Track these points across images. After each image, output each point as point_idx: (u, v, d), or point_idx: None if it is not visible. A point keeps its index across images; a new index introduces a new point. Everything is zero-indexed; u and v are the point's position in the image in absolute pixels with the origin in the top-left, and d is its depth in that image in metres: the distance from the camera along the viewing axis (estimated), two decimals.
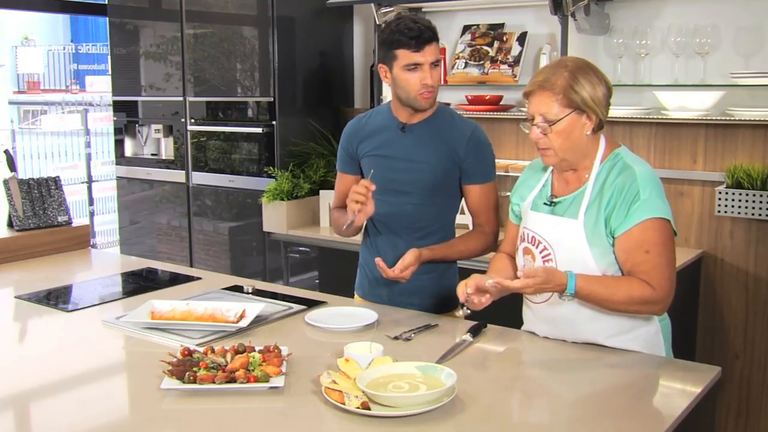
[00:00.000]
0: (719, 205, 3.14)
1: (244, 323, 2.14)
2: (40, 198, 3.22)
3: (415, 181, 2.36)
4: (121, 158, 5.00)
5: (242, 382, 1.72)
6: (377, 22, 3.94)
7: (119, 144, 5.01)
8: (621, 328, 2.01)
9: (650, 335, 2.03)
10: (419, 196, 2.37)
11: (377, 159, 2.41)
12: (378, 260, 2.25)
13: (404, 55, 2.24)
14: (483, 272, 2.18)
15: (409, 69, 2.25)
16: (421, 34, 2.22)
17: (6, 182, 3.18)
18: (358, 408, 1.58)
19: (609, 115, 2.05)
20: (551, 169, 2.11)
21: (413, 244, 2.39)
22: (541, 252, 2.03)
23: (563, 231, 1.99)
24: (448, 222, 2.45)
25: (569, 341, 2.06)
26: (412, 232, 2.40)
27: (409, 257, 2.26)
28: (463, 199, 2.46)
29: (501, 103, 3.81)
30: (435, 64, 2.26)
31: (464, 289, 2.00)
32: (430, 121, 2.37)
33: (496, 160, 3.81)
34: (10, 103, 11.76)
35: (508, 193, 3.78)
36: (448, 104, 3.56)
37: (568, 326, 2.04)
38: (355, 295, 2.59)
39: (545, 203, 2.07)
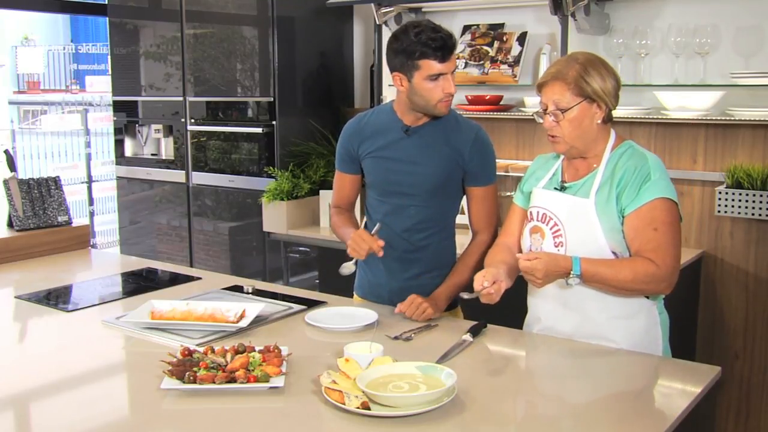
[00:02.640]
0: (719, 205, 3.14)
1: (244, 323, 2.13)
2: (40, 198, 3.22)
3: (417, 184, 2.35)
4: (121, 158, 5.00)
5: (242, 382, 1.72)
6: (377, 22, 3.94)
7: (119, 144, 5.01)
8: (623, 312, 2.04)
9: (650, 326, 2.06)
10: (421, 198, 2.37)
11: (379, 161, 2.40)
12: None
13: (429, 66, 2.20)
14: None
15: (433, 79, 2.22)
16: (446, 44, 2.19)
17: (6, 182, 3.18)
18: (358, 408, 1.58)
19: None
20: (561, 159, 2.15)
21: (414, 245, 2.39)
22: (551, 228, 2.07)
23: (574, 208, 2.03)
24: (448, 223, 2.45)
25: (568, 331, 2.08)
26: (413, 233, 2.40)
27: (431, 314, 2.24)
28: (463, 200, 2.46)
29: (501, 103, 3.81)
30: (454, 71, 2.26)
31: (482, 281, 2.02)
32: (433, 123, 2.35)
33: (497, 160, 3.83)
34: (10, 103, 11.75)
35: (509, 193, 3.82)
36: None
37: (572, 302, 2.07)
38: (355, 295, 2.59)
39: (556, 188, 2.11)
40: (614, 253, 2.00)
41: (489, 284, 2.01)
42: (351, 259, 2.27)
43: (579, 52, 2.09)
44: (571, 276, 1.95)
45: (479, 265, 2.38)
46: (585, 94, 1.99)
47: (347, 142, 2.48)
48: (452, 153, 2.34)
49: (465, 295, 2.19)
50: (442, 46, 2.19)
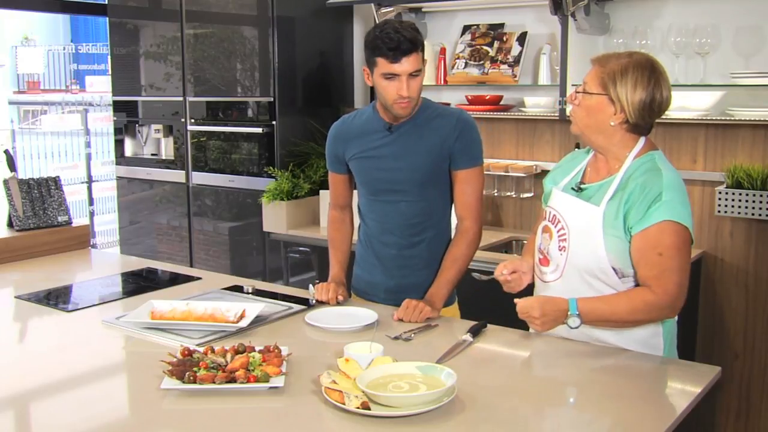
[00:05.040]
0: (719, 205, 3.14)
1: (244, 323, 2.14)
2: (40, 198, 3.22)
3: (405, 179, 2.36)
4: (121, 158, 5.00)
5: (242, 382, 1.72)
6: (377, 22, 3.94)
7: (119, 144, 5.01)
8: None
9: (648, 336, 2.02)
10: (411, 193, 2.37)
11: (366, 161, 2.41)
12: None
13: (382, 64, 2.23)
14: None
15: (387, 78, 2.24)
16: (399, 46, 2.19)
17: (6, 182, 3.18)
18: (358, 408, 1.58)
19: None
20: (588, 159, 2.13)
21: (408, 241, 2.40)
22: (558, 231, 2.06)
23: (583, 215, 2.01)
24: (442, 217, 2.44)
25: (567, 335, 2.07)
26: (406, 229, 2.40)
27: (429, 312, 2.25)
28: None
29: (501, 103, 3.81)
30: (414, 74, 2.24)
31: (502, 269, 2.12)
32: (415, 117, 2.36)
33: (497, 160, 3.84)
34: (10, 103, 11.75)
35: (509, 193, 3.83)
36: (448, 104, 3.55)
37: None
38: (353, 295, 2.59)
39: (573, 188, 2.09)
40: (614, 269, 1.97)
41: (507, 272, 2.10)
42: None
43: (640, 53, 2.02)
44: (569, 316, 1.93)
45: (466, 257, 2.39)
46: (608, 91, 1.95)
47: (333, 145, 2.53)
48: (437, 141, 2.33)
49: (477, 276, 2.23)
50: (395, 47, 2.20)
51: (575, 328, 1.95)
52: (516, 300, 2.00)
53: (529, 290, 2.19)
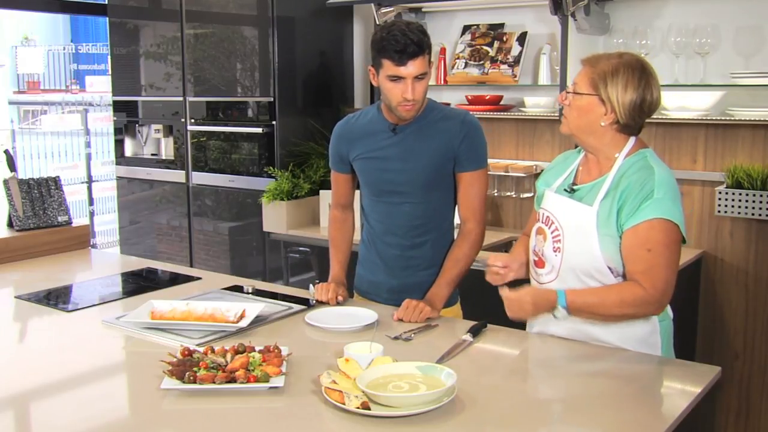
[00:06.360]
0: (719, 205, 3.14)
1: (244, 323, 2.14)
2: (40, 198, 3.22)
3: (409, 181, 2.36)
4: (121, 158, 5.00)
5: (242, 382, 1.72)
6: (377, 22, 3.94)
7: (119, 144, 5.01)
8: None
9: (646, 335, 2.03)
10: (415, 195, 2.37)
11: (370, 161, 2.41)
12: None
13: (388, 66, 2.22)
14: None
15: (392, 80, 2.23)
16: (406, 49, 2.18)
17: (6, 182, 3.18)
18: (358, 408, 1.58)
19: None
20: (579, 159, 2.13)
21: (411, 242, 2.40)
22: (552, 232, 2.06)
23: (577, 215, 2.01)
24: (445, 219, 2.44)
25: (564, 335, 2.07)
26: (409, 230, 2.40)
27: (429, 312, 2.25)
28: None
29: (501, 103, 3.81)
30: (419, 77, 2.23)
31: (495, 260, 2.12)
32: (420, 118, 2.35)
33: (497, 160, 3.84)
34: (10, 103, 11.74)
35: (509, 193, 3.83)
36: (448, 104, 3.55)
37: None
38: (355, 294, 2.59)
39: (565, 189, 2.09)
40: (609, 268, 1.97)
41: (501, 265, 2.11)
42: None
43: (630, 53, 2.02)
44: (557, 309, 1.93)
45: (468, 258, 2.40)
46: (598, 92, 1.95)
47: (337, 145, 2.50)
48: (442, 142, 2.33)
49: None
50: (401, 49, 2.18)
51: (560, 318, 1.96)
52: (505, 294, 1.97)
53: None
